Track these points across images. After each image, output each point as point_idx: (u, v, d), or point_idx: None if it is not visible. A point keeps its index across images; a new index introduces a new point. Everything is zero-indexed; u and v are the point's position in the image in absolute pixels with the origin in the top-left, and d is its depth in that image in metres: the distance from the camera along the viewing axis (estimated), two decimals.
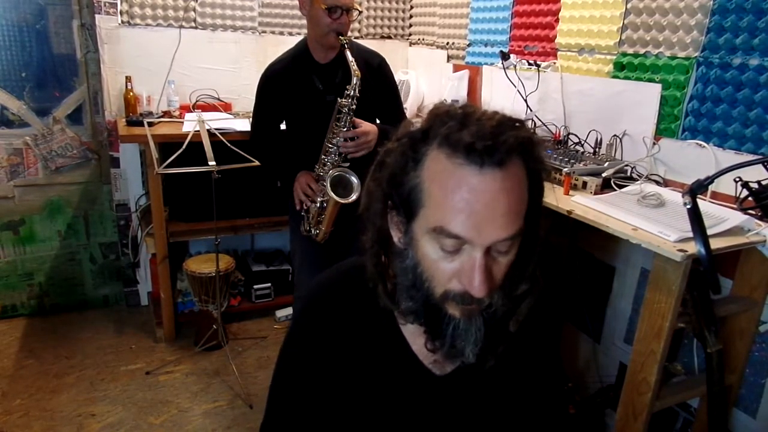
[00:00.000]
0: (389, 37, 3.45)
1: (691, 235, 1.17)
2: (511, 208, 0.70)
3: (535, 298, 0.81)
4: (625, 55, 1.99)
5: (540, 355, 0.96)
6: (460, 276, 0.73)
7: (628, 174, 1.92)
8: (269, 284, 3.08)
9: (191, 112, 2.86)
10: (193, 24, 2.96)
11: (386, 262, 0.83)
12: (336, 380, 0.88)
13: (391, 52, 3.31)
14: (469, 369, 0.87)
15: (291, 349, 0.93)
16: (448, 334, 0.77)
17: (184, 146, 2.29)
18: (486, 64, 2.72)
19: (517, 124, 0.72)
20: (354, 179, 2.04)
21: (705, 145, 1.73)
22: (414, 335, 0.87)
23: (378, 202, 0.79)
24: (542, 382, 0.97)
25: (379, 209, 0.79)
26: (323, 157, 2.06)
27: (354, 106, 1.98)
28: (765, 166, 1.36)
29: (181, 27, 2.93)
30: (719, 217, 1.50)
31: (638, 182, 1.82)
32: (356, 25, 3.29)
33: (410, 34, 3.48)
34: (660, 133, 1.88)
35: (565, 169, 1.85)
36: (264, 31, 3.12)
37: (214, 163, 2.30)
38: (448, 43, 3.05)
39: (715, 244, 1.33)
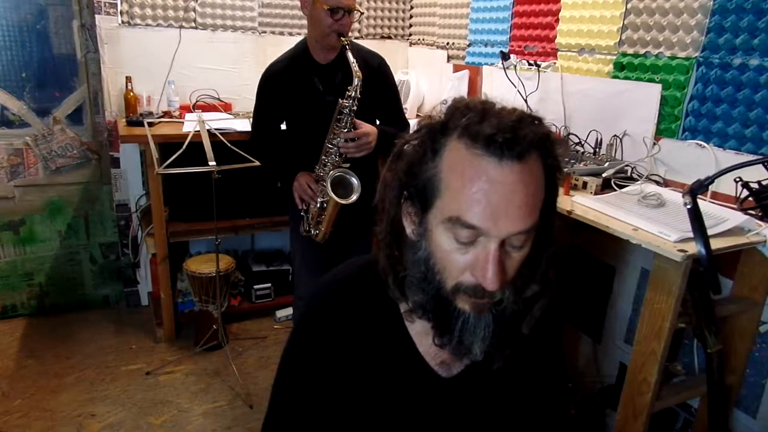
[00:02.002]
0: (389, 37, 3.45)
1: (691, 235, 1.17)
2: (527, 201, 0.70)
3: (547, 300, 0.81)
4: (625, 55, 1.99)
5: (545, 357, 0.96)
6: (474, 268, 0.72)
7: (629, 174, 1.92)
8: (269, 284, 3.08)
9: (191, 112, 2.86)
10: (193, 24, 2.96)
11: (398, 254, 0.82)
12: (341, 381, 0.88)
13: (391, 52, 3.31)
14: (475, 371, 0.87)
15: (295, 350, 0.92)
16: (456, 328, 0.77)
17: (184, 146, 2.29)
18: (486, 64, 2.72)
19: (536, 121, 0.73)
20: (354, 180, 2.04)
21: (705, 145, 1.74)
22: (421, 335, 0.86)
23: (393, 192, 0.79)
24: (548, 384, 0.97)
25: (394, 199, 0.79)
26: (323, 157, 2.06)
27: (355, 107, 1.98)
28: (765, 166, 1.36)
29: (181, 27, 2.93)
30: (719, 217, 1.50)
31: (638, 182, 1.82)
32: (356, 25, 3.28)
33: (410, 34, 3.48)
34: (660, 133, 1.89)
35: (565, 169, 1.85)
36: (264, 31, 3.12)
37: (214, 163, 2.30)
38: (448, 43, 3.05)
39: (716, 244, 1.33)
